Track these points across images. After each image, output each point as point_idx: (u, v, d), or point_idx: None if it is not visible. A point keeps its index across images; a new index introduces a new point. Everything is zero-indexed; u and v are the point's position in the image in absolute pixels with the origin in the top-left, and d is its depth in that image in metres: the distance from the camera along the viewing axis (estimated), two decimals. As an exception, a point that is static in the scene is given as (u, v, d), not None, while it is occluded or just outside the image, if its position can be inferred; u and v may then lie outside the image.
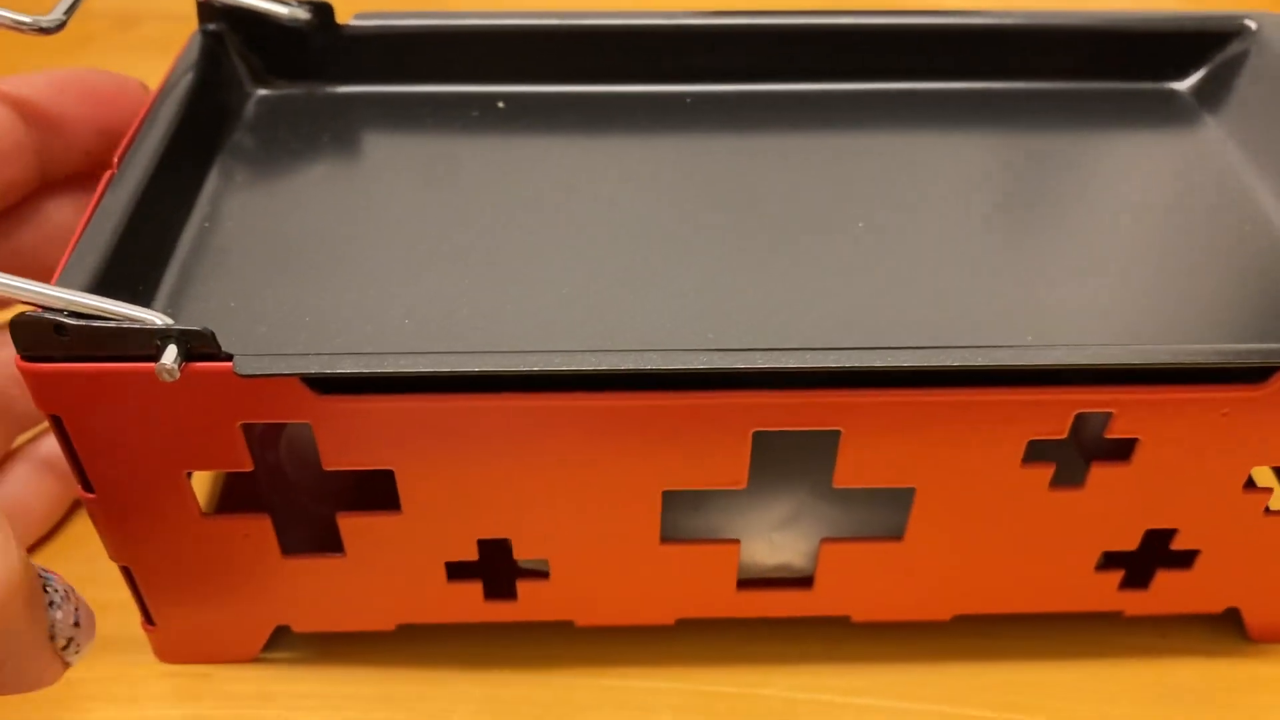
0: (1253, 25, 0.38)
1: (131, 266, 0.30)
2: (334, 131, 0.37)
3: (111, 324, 0.26)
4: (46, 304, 0.26)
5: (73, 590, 0.27)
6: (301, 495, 0.34)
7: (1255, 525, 0.31)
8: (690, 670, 0.34)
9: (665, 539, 0.31)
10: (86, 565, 0.36)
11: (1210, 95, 0.39)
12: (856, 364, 0.26)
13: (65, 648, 0.27)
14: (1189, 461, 0.29)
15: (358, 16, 0.38)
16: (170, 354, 0.26)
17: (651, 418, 0.28)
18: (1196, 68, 0.39)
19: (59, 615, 0.27)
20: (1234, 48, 0.39)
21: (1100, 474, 0.29)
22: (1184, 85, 0.39)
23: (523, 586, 0.32)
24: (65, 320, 0.26)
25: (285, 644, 0.34)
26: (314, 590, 0.32)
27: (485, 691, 0.33)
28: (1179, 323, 0.30)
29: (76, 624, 0.27)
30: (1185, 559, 0.32)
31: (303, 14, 0.37)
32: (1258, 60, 0.38)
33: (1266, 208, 0.34)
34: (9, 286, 0.25)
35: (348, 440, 0.28)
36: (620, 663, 0.34)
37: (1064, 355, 0.26)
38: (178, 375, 0.26)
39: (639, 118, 0.38)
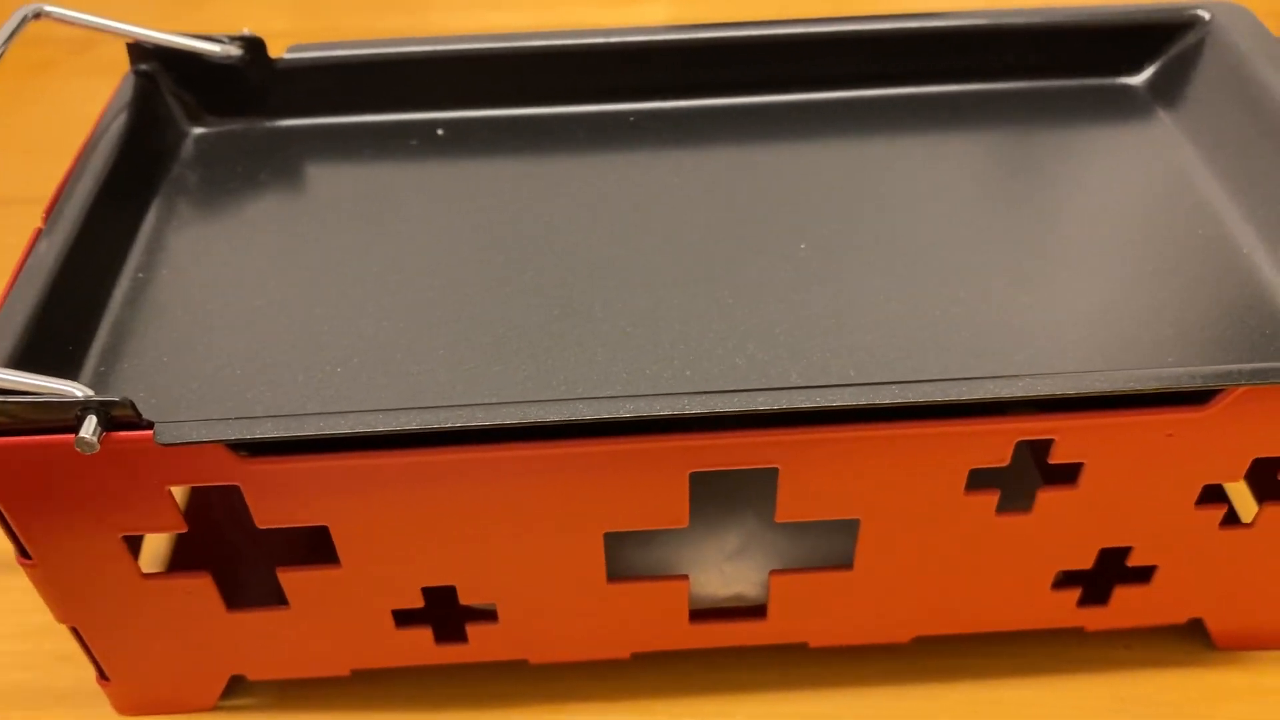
0: (1205, 15, 0.37)
1: (60, 327, 0.29)
2: (272, 167, 0.36)
3: (30, 398, 0.25)
4: (-39, 380, 0.25)
5: None
6: (259, 545, 0.34)
7: (1212, 539, 0.31)
8: (649, 703, 0.34)
9: (614, 576, 0.31)
10: (42, 615, 0.35)
11: (1165, 89, 0.38)
12: (786, 405, 0.26)
13: None
14: (1137, 482, 0.29)
15: (291, 50, 0.37)
16: (89, 426, 0.25)
17: (585, 464, 0.27)
18: (1150, 61, 0.38)
19: None
20: (1188, 39, 0.38)
21: (1047, 498, 0.29)
22: (1139, 80, 0.38)
23: (472, 629, 0.32)
24: (-19, 396, 0.25)
25: (242, 691, 0.34)
26: (265, 640, 0.32)
27: (444, 731, 0.33)
28: (1128, 339, 0.29)
29: None
30: (1143, 574, 0.32)
31: (235, 50, 0.36)
32: (1210, 52, 0.37)
33: (1219, 208, 0.33)
34: (-78, 365, 0.25)
35: (277, 500, 0.27)
36: (578, 698, 0.34)
37: (997, 388, 0.26)
38: (97, 447, 0.25)
39: (580, 139, 0.37)
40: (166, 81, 0.37)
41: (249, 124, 0.38)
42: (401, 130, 0.37)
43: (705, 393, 0.26)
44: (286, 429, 0.26)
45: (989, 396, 0.26)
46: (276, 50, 0.37)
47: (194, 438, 0.25)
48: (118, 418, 0.26)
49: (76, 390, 0.26)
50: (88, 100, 0.58)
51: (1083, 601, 0.32)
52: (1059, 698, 0.33)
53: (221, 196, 0.35)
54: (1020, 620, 0.33)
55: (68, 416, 0.26)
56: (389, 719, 0.33)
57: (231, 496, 0.35)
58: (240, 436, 0.25)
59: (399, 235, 0.34)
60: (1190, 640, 0.34)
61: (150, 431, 0.26)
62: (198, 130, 0.38)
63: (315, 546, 0.32)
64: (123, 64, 0.64)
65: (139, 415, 0.26)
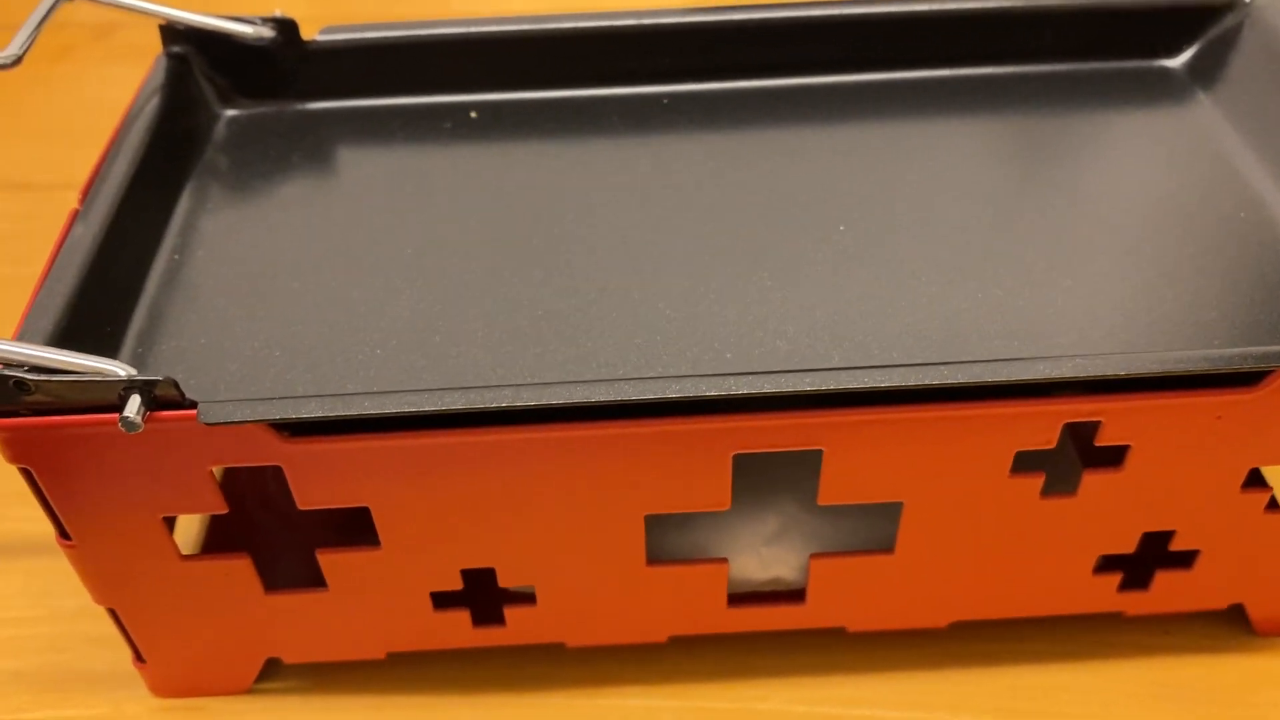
0: (1245, -3, 0.37)
1: (98, 308, 0.29)
2: (305, 150, 0.36)
3: (74, 378, 0.25)
4: (7, 360, 0.25)
5: None
6: (293, 528, 0.34)
7: (1257, 523, 0.30)
8: (686, 686, 0.33)
9: (654, 559, 0.30)
10: (77, 598, 0.36)
11: (1204, 71, 0.37)
12: (832, 386, 0.26)
13: None
14: (1183, 465, 0.28)
15: (324, 31, 0.37)
16: (133, 405, 0.25)
17: (628, 445, 0.27)
18: (1190, 44, 0.38)
19: None
20: (1227, 21, 0.37)
21: (1092, 481, 0.29)
22: (1177, 62, 0.38)
23: (510, 612, 0.32)
24: (27, 376, 0.25)
25: (278, 674, 0.34)
26: (302, 623, 0.32)
27: (480, 715, 0.33)
28: (1172, 322, 0.29)
29: None
30: (1185, 559, 0.32)
31: (267, 32, 0.36)
32: (1251, 33, 0.36)
33: (1261, 191, 0.33)
34: (-34, 344, 0.25)
35: (319, 481, 0.27)
36: (615, 681, 0.33)
37: (1046, 369, 0.26)
38: (142, 426, 0.25)
39: (615, 121, 0.37)
40: (199, 63, 0.37)
41: (280, 106, 0.38)
42: (434, 113, 0.37)
43: (752, 373, 0.26)
44: (331, 409, 0.25)
45: (1040, 377, 0.26)
46: (305, 33, 0.37)
47: (238, 417, 0.25)
48: (161, 397, 0.26)
49: (119, 369, 0.25)
50: (109, 86, 0.59)
51: (1123, 586, 0.32)
52: (1098, 683, 0.33)
53: (254, 179, 0.35)
54: (1060, 605, 0.33)
55: (111, 396, 0.26)
56: (425, 702, 0.33)
57: (260, 479, 0.36)
58: (285, 416, 0.25)
59: (433, 218, 0.34)
60: (1230, 626, 0.34)
61: (194, 411, 0.26)
62: (229, 112, 0.37)
63: (343, 529, 0.32)
64: (143, 50, 0.64)
65: (182, 395, 0.26)
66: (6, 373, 0.25)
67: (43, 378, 0.25)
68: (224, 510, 0.28)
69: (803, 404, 0.27)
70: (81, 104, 0.58)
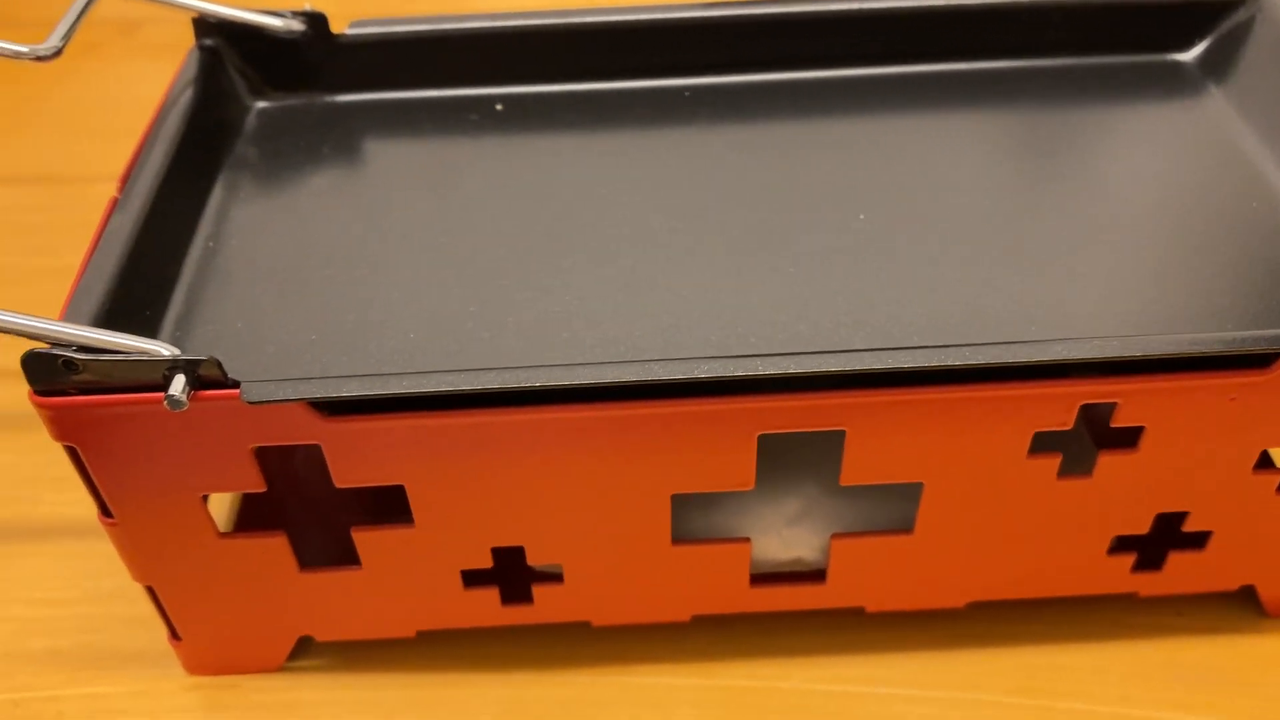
0: (1257, -8, 0.38)
1: (138, 293, 0.30)
2: (334, 141, 0.37)
3: (120, 357, 0.26)
4: (56, 339, 0.26)
5: None
6: (320, 508, 0.35)
7: (1267, 505, 0.31)
8: (708, 665, 0.34)
9: (678, 539, 0.31)
10: (112, 579, 0.37)
11: (1215, 65, 0.38)
12: (857, 366, 0.26)
13: None
14: (1197, 446, 0.29)
15: (353, 25, 0.38)
16: (178, 384, 0.26)
17: (657, 425, 0.28)
18: (1201, 38, 0.39)
19: None
20: (1238, 16, 0.38)
21: (1108, 462, 0.29)
22: (1189, 56, 0.39)
23: (538, 590, 0.32)
24: (74, 355, 0.26)
25: (310, 653, 0.35)
26: (334, 601, 0.32)
27: (507, 693, 0.34)
28: (1186, 307, 0.30)
29: None
30: (1198, 540, 0.32)
31: (297, 25, 0.37)
32: (1262, 28, 0.37)
33: (1273, 181, 0.34)
34: (16, 324, 0.26)
35: (357, 459, 0.28)
36: (639, 660, 0.34)
37: (1064, 350, 0.26)
38: (186, 405, 0.26)
39: (638, 113, 0.38)
40: (230, 56, 0.38)
41: (310, 99, 0.39)
42: (460, 105, 0.38)
43: (778, 354, 0.27)
44: (370, 388, 0.26)
45: (1058, 358, 0.26)
46: (347, 23, 0.38)
47: (280, 396, 0.26)
48: (204, 377, 0.26)
49: (164, 349, 0.26)
50: (134, 82, 0.60)
51: (1137, 567, 0.33)
52: (1112, 663, 0.34)
53: (285, 170, 0.36)
54: (1075, 586, 0.33)
55: (155, 376, 0.26)
56: (453, 680, 0.34)
57: (286, 460, 0.36)
58: (327, 395, 0.26)
59: (461, 208, 0.34)
60: (1242, 608, 0.35)
61: (236, 390, 0.26)
62: (260, 104, 0.38)
63: (367, 510, 0.33)
64: (167, 46, 0.65)
65: (225, 374, 0.26)
66: (56, 352, 0.26)
67: (90, 357, 0.26)
68: (262, 489, 0.29)
69: (826, 385, 0.27)
70: (107, 99, 0.59)
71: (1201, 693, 0.33)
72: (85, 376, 0.26)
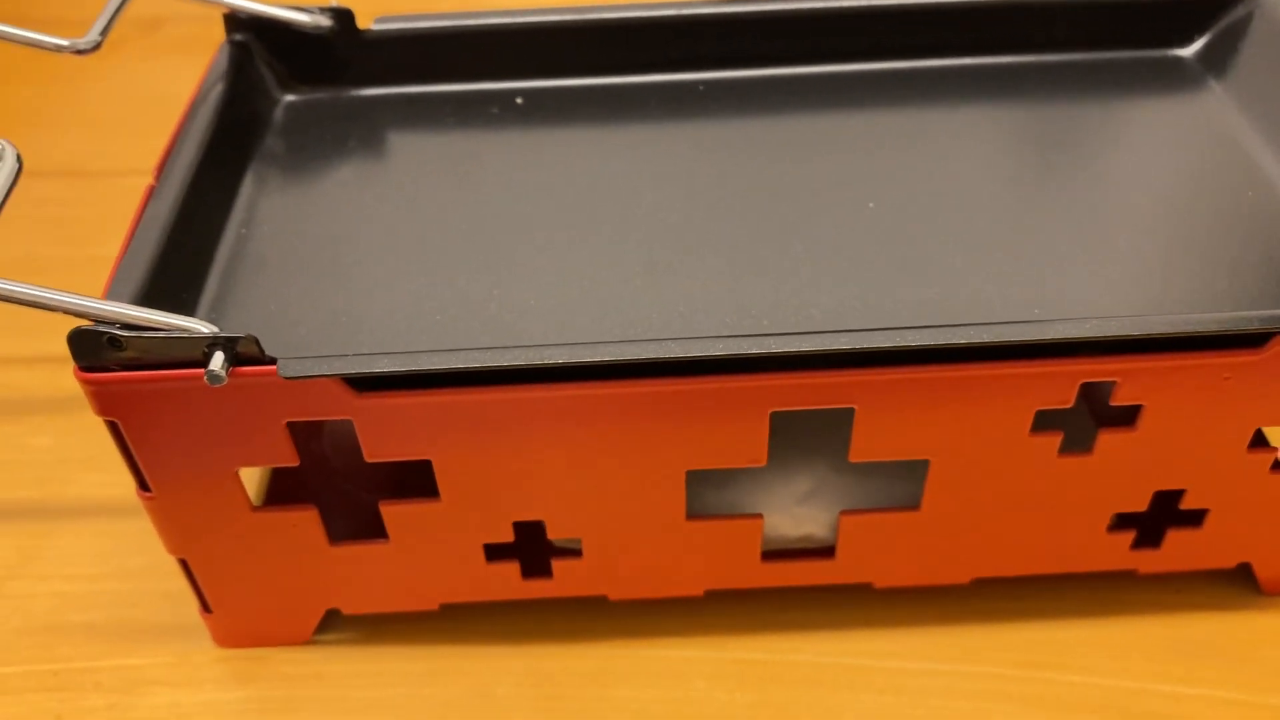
0: (1255, -11, 0.39)
1: (175, 276, 0.31)
2: (360, 133, 0.38)
3: (162, 334, 0.27)
4: (101, 317, 0.27)
5: None
6: (345, 484, 0.36)
7: (1263, 482, 0.32)
8: (721, 639, 0.35)
9: (692, 515, 0.32)
10: (144, 556, 0.38)
11: (1215, 60, 0.39)
12: (867, 345, 0.28)
13: None
14: (1193, 424, 0.30)
15: (378, 21, 0.39)
16: (218, 360, 0.27)
17: (673, 402, 0.29)
18: (1201, 33, 0.40)
19: None
20: (1238, 12, 0.39)
21: (1108, 439, 0.31)
22: (1189, 51, 0.40)
23: (557, 565, 0.34)
24: (119, 333, 0.27)
25: (336, 626, 0.36)
26: (361, 574, 0.34)
27: (526, 664, 0.35)
28: (1184, 291, 0.31)
29: None
30: (1195, 518, 0.33)
31: (325, 21, 0.38)
32: (1260, 24, 0.38)
33: (1270, 172, 0.35)
34: (64, 302, 0.27)
35: (387, 434, 0.29)
36: (654, 634, 0.35)
37: (1066, 329, 0.28)
38: (225, 380, 0.27)
39: (653, 107, 0.39)
40: (260, 50, 0.39)
41: (336, 92, 0.40)
42: (482, 99, 0.39)
43: (790, 334, 0.28)
44: (402, 364, 0.27)
45: (1061, 337, 0.27)
46: (365, 20, 0.39)
47: (316, 372, 0.27)
48: (242, 354, 0.28)
49: (203, 327, 0.28)
50: (157, 78, 0.61)
51: (1136, 544, 0.34)
52: (1111, 639, 0.35)
53: (313, 161, 0.37)
54: (1076, 562, 0.35)
55: (196, 352, 0.28)
56: (475, 651, 0.35)
57: (308, 438, 0.38)
58: (360, 371, 0.27)
59: (482, 197, 0.36)
60: (1238, 585, 0.36)
61: (273, 367, 0.28)
62: (288, 98, 0.40)
63: (384, 486, 0.34)
64: (188, 44, 0.66)
65: (262, 351, 0.28)
66: (101, 329, 0.27)
67: (134, 334, 0.27)
68: (295, 462, 0.30)
69: (836, 363, 0.28)
70: (131, 95, 0.60)
71: (1199, 667, 0.34)
72: (128, 353, 0.28)
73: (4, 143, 0.29)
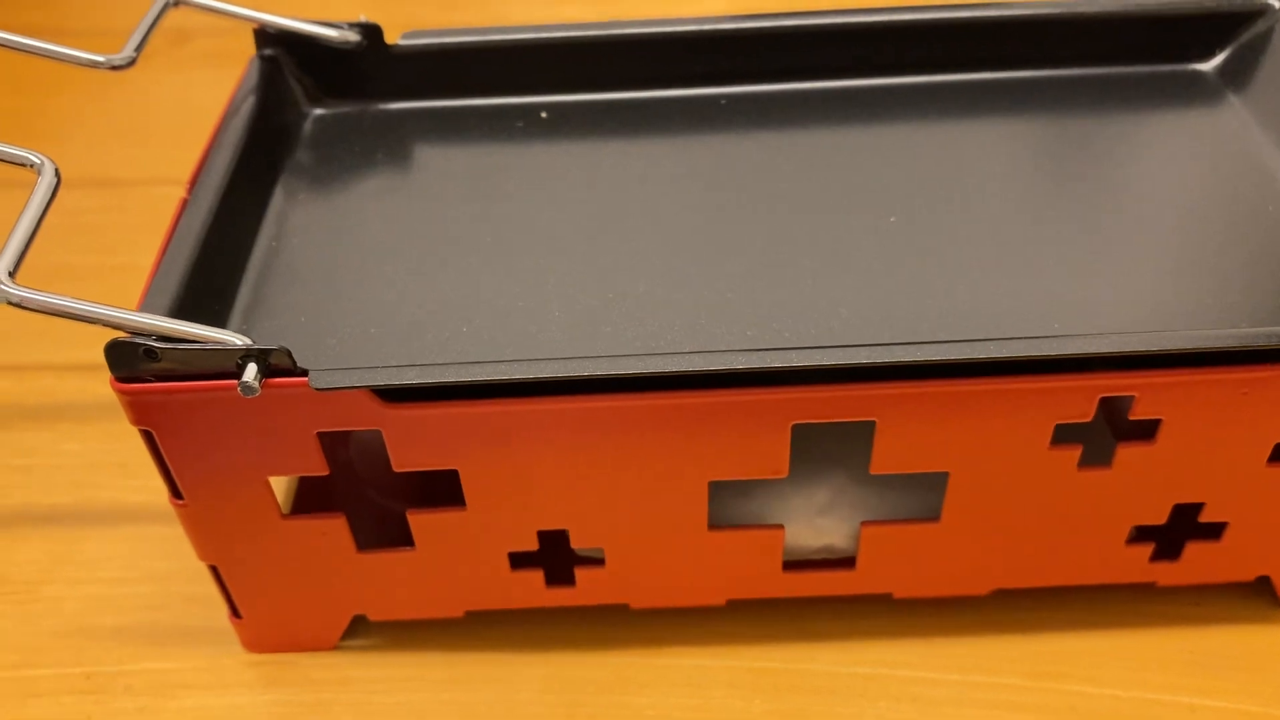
0: (1276, 4, 0.39)
1: (207, 288, 0.32)
2: (387, 147, 0.39)
3: (196, 346, 0.28)
4: (136, 330, 0.28)
5: None
6: (373, 493, 0.37)
7: (1281, 497, 0.32)
8: (740, 648, 0.36)
9: (713, 525, 0.33)
10: (174, 562, 0.39)
11: (1235, 75, 0.40)
12: (887, 359, 0.28)
13: None
14: (1212, 438, 0.30)
15: (405, 36, 0.40)
16: (251, 372, 0.28)
17: (696, 414, 0.29)
18: (1221, 48, 0.40)
19: None
20: (1258, 27, 0.39)
21: (1126, 453, 0.31)
22: (1209, 66, 0.40)
23: (580, 573, 0.34)
24: (155, 344, 0.28)
25: (362, 632, 0.37)
26: (388, 582, 0.34)
27: (548, 671, 0.35)
28: (1202, 305, 0.31)
29: None
30: (1214, 530, 0.34)
31: (353, 36, 0.39)
32: (1280, 40, 0.39)
33: (1289, 187, 0.35)
34: (103, 315, 0.28)
35: (415, 444, 0.30)
36: (674, 642, 0.36)
37: (1085, 345, 0.28)
38: (259, 391, 0.28)
39: (675, 121, 0.39)
40: (289, 64, 0.39)
41: (364, 106, 0.40)
42: (508, 113, 0.40)
43: (812, 348, 0.28)
44: (431, 376, 0.28)
45: (1080, 352, 0.28)
46: (392, 36, 0.40)
47: (346, 383, 0.28)
48: (275, 365, 0.28)
49: (236, 339, 0.28)
50: (186, 90, 0.62)
51: (1155, 557, 0.34)
52: (1130, 651, 0.35)
53: (342, 173, 0.38)
54: (1095, 575, 0.35)
55: (229, 364, 0.28)
56: (498, 658, 0.36)
57: (336, 445, 0.38)
58: (389, 383, 0.28)
59: (508, 210, 0.36)
60: (1258, 598, 0.36)
61: (305, 378, 0.28)
62: (317, 111, 0.40)
63: (409, 495, 0.35)
64: (216, 57, 0.67)
65: (294, 363, 0.28)
66: (138, 340, 0.28)
67: (169, 346, 0.28)
68: (325, 471, 0.31)
69: (857, 377, 0.29)
70: (161, 106, 0.61)
71: (1217, 680, 0.34)
72: (163, 364, 0.28)
73: (43, 158, 0.30)
